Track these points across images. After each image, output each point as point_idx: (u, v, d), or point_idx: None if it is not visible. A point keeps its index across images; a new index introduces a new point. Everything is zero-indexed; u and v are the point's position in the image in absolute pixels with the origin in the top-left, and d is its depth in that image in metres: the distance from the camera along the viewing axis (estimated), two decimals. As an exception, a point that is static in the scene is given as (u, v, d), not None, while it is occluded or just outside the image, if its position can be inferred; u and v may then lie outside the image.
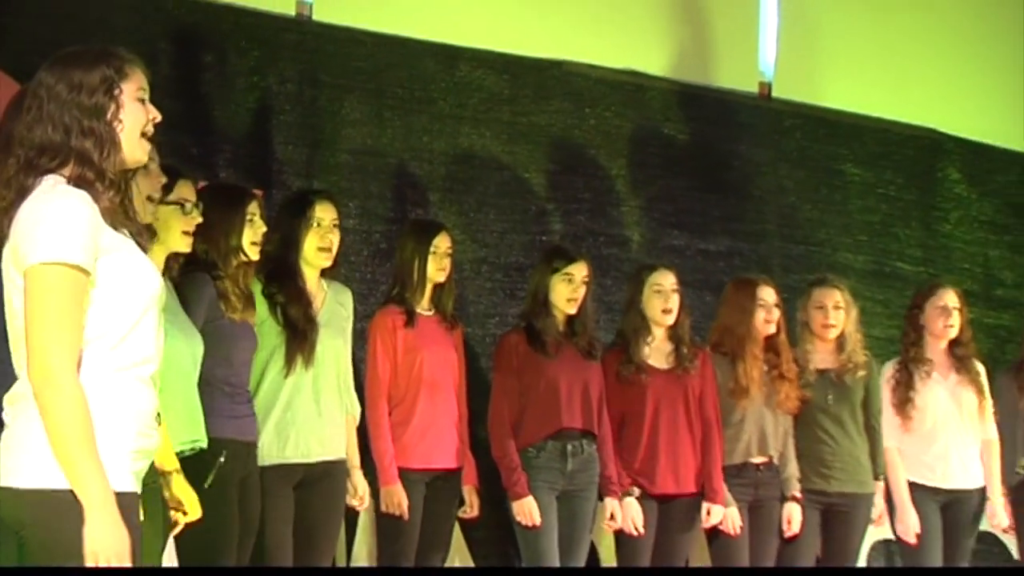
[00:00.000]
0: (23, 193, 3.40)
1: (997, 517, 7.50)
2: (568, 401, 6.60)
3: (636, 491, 6.78)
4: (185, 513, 4.83)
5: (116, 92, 3.47)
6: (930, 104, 9.00)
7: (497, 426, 6.60)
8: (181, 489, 4.85)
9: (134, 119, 3.50)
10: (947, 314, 7.51)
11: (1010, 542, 7.91)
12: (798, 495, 7.12)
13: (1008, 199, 9.28)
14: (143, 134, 3.53)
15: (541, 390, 6.58)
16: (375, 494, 6.30)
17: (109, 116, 3.46)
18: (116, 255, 3.41)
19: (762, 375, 7.07)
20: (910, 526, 7.33)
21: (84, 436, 3.29)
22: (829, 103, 8.67)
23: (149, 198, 4.88)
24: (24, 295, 3.35)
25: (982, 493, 7.50)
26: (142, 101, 3.52)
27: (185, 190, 5.26)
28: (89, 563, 3.26)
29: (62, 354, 3.31)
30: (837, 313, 7.32)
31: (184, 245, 5.24)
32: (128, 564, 3.30)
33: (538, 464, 6.57)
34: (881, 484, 7.35)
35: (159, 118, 3.56)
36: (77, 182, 3.40)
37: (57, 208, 3.35)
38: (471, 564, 7.10)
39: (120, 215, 3.47)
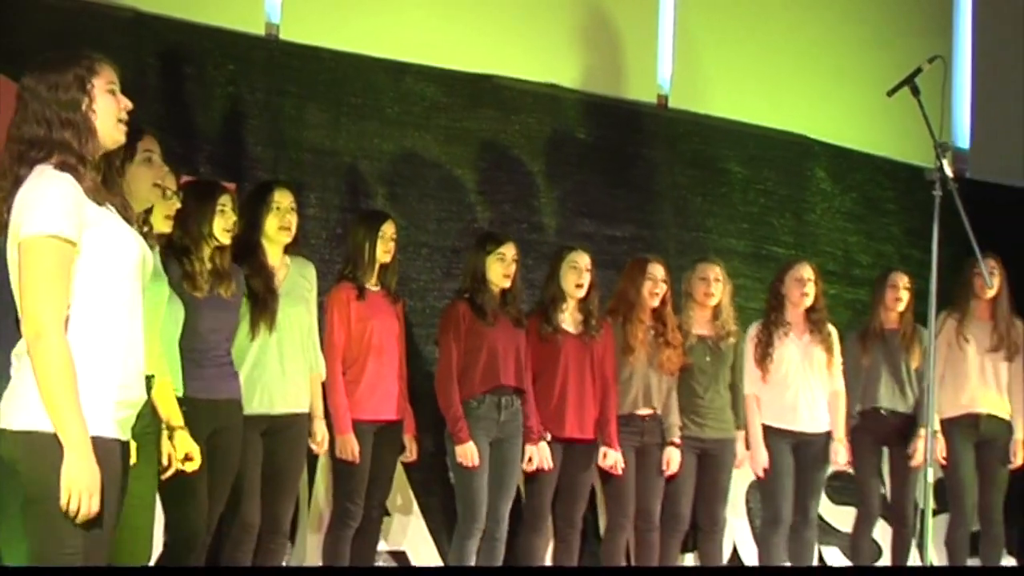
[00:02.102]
0: (18, 183, 3.40)
1: (839, 455, 7.56)
2: (504, 362, 6.62)
3: (548, 435, 6.81)
4: (191, 460, 4.85)
5: (88, 87, 3.46)
6: (801, 113, 8.99)
7: (444, 381, 6.60)
8: (186, 443, 4.86)
9: (106, 108, 3.49)
10: (803, 284, 7.55)
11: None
12: (677, 441, 7.16)
13: (864, 194, 9.31)
14: (119, 120, 3.52)
15: (483, 352, 6.59)
16: (332, 441, 6.30)
17: (84, 108, 3.45)
18: (100, 227, 3.41)
19: (648, 338, 7.11)
20: (759, 461, 7.39)
21: (68, 386, 3.28)
22: (716, 112, 8.63)
23: (156, 185, 4.91)
24: (18, 264, 3.35)
25: (828, 436, 7.56)
26: (112, 92, 3.51)
27: (168, 180, 5.27)
28: (63, 497, 3.25)
29: (51, 314, 3.30)
30: (716, 285, 7.37)
31: (166, 226, 5.23)
32: (97, 500, 3.28)
33: (478, 414, 6.59)
34: (742, 433, 7.42)
35: (131, 106, 3.55)
36: (62, 167, 3.39)
37: (44, 189, 3.35)
38: (412, 500, 7.09)
39: (103, 192, 3.46)
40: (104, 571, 3.43)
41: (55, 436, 3.28)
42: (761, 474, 7.42)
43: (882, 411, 7.74)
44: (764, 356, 7.46)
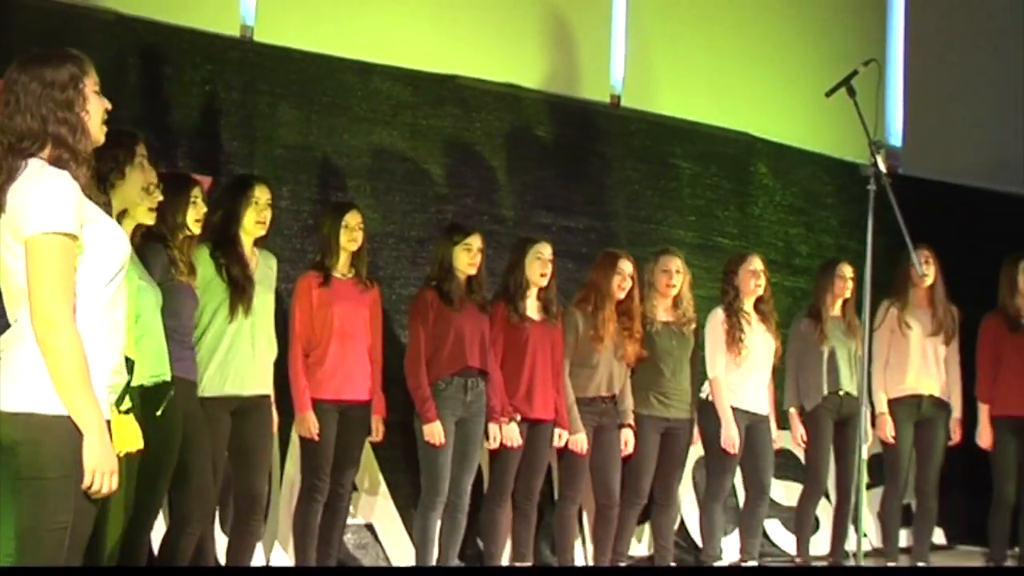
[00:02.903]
0: (12, 173, 3.37)
1: (782, 437, 7.70)
2: (471, 346, 6.61)
3: (518, 416, 6.82)
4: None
5: (81, 87, 3.44)
6: (745, 112, 9.03)
7: (413, 364, 6.57)
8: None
9: (95, 109, 3.48)
10: (756, 276, 7.58)
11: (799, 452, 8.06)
12: (631, 423, 7.19)
13: (804, 188, 9.36)
14: (102, 121, 3.50)
15: (450, 337, 6.57)
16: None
17: (78, 107, 3.43)
18: (97, 223, 3.41)
19: (615, 329, 7.13)
20: (732, 439, 7.39)
21: (82, 374, 3.30)
22: (665, 111, 8.67)
23: (143, 188, 4.89)
24: (26, 260, 3.32)
25: (768, 418, 7.63)
26: (98, 93, 3.49)
27: (151, 175, 5.26)
28: (87, 478, 3.28)
29: (62, 306, 3.30)
30: (678, 276, 7.39)
31: (150, 219, 5.21)
32: (117, 479, 3.32)
33: (445, 395, 6.58)
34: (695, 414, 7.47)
35: (110, 106, 3.53)
36: (56, 163, 3.37)
37: (48, 187, 3.33)
38: (380, 478, 7.08)
39: (95, 188, 3.47)
40: (105, 571, 3.41)
41: (52, 417, 3.28)
42: (732, 451, 7.43)
43: (841, 394, 7.77)
44: (736, 342, 7.47)
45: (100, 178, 3.72)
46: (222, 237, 5.93)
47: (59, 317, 3.28)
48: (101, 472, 3.28)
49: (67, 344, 3.28)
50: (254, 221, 5.99)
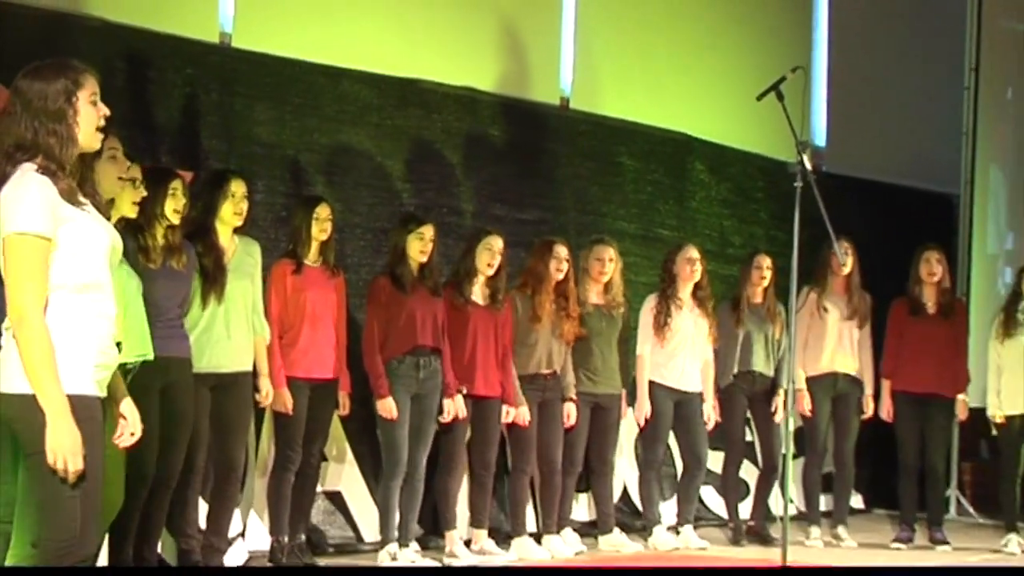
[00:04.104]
0: (4, 178, 3.38)
1: (710, 416, 7.73)
2: (422, 326, 6.59)
3: (464, 389, 6.84)
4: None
5: (73, 100, 3.43)
6: (683, 115, 9.07)
7: (369, 345, 6.58)
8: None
9: (88, 118, 3.46)
10: (692, 263, 7.66)
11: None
12: (573, 397, 7.25)
13: (737, 184, 9.43)
14: (97, 128, 3.49)
15: (402, 319, 6.56)
16: (274, 396, 6.31)
17: (68, 119, 3.43)
18: (73, 224, 3.40)
19: (552, 310, 7.17)
20: (643, 411, 7.50)
21: (47, 362, 3.30)
22: (610, 113, 8.70)
23: (120, 178, 4.89)
24: (3, 257, 3.35)
25: (701, 396, 7.69)
26: (94, 103, 3.48)
27: (134, 171, 5.27)
28: (49, 458, 3.26)
29: (31, 301, 3.31)
30: (610, 264, 7.44)
31: (133, 212, 5.26)
32: (80, 458, 3.28)
33: (399, 373, 6.57)
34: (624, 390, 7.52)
35: (108, 113, 3.52)
36: (43, 171, 3.38)
37: (25, 191, 3.34)
38: (347, 449, 7.08)
39: (77, 193, 3.44)
40: (103, 571, 3.41)
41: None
42: (642, 423, 7.51)
43: (755, 373, 7.86)
44: (662, 324, 7.56)
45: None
46: (198, 229, 5.94)
47: (27, 311, 3.29)
48: (62, 453, 3.26)
49: (33, 335, 3.29)
50: (231, 212, 6.00)
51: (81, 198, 3.45)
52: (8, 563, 3.39)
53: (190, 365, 5.68)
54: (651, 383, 7.56)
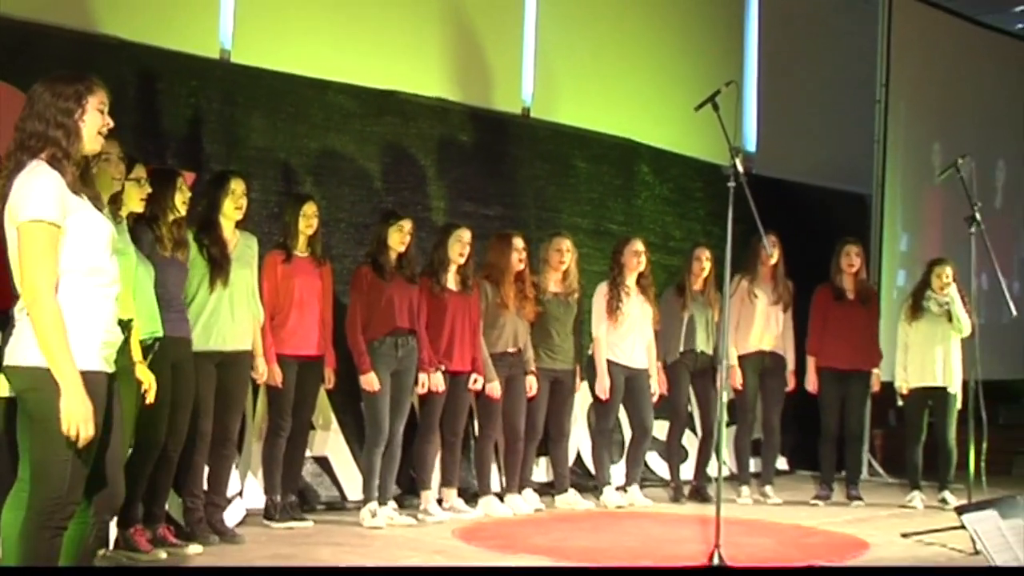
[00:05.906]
0: (19, 166, 3.41)
1: (656, 388, 7.81)
2: (400, 310, 6.61)
3: (443, 367, 6.90)
4: (147, 390, 4.87)
5: (83, 101, 3.47)
6: (630, 123, 9.11)
7: (352, 326, 6.59)
8: (144, 373, 4.89)
9: (92, 121, 3.49)
10: (638, 255, 7.71)
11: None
12: (534, 371, 7.31)
13: (678, 184, 9.46)
14: (99, 132, 3.52)
15: (382, 303, 6.58)
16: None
17: (76, 116, 3.46)
18: (79, 214, 3.43)
19: (515, 295, 7.23)
20: (604, 387, 7.56)
21: (60, 338, 3.31)
22: (566, 121, 8.72)
23: (114, 178, 4.92)
24: (17, 243, 3.37)
25: (647, 372, 7.77)
26: (101, 111, 3.51)
27: (140, 171, 5.30)
28: (64, 426, 3.28)
29: (43, 283, 3.32)
30: (567, 255, 7.49)
31: (140, 207, 5.29)
32: (92, 426, 3.31)
33: (380, 352, 6.59)
34: (578, 366, 7.56)
35: (112, 125, 3.55)
36: (51, 162, 3.41)
37: (37, 182, 3.37)
38: (332, 418, 7.12)
39: (80, 185, 3.46)
40: (103, 571, 3.42)
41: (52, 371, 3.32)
42: (604, 396, 7.59)
43: (696, 352, 7.95)
44: (615, 309, 7.62)
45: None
46: (205, 222, 5.99)
47: (40, 292, 3.30)
48: (75, 422, 3.27)
49: (47, 314, 3.29)
50: (233, 208, 6.05)
51: (83, 192, 3.48)
52: (5, 510, 3.42)
53: (189, 345, 5.73)
54: (608, 362, 7.64)
